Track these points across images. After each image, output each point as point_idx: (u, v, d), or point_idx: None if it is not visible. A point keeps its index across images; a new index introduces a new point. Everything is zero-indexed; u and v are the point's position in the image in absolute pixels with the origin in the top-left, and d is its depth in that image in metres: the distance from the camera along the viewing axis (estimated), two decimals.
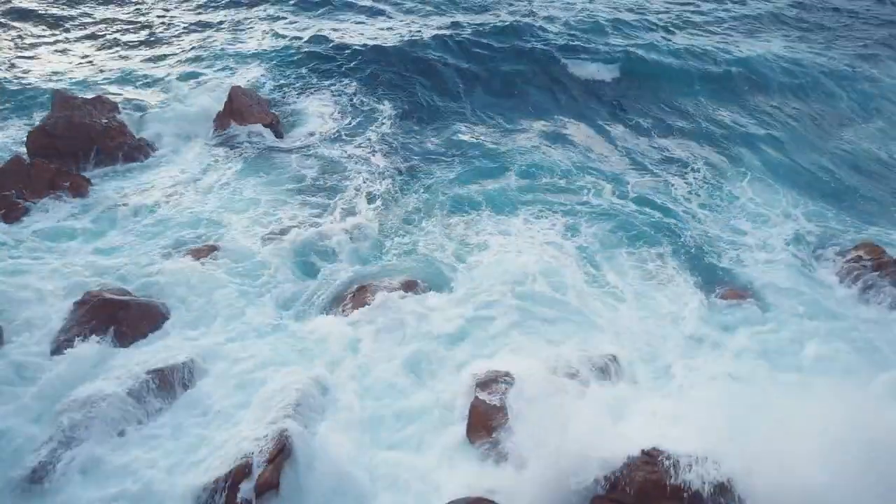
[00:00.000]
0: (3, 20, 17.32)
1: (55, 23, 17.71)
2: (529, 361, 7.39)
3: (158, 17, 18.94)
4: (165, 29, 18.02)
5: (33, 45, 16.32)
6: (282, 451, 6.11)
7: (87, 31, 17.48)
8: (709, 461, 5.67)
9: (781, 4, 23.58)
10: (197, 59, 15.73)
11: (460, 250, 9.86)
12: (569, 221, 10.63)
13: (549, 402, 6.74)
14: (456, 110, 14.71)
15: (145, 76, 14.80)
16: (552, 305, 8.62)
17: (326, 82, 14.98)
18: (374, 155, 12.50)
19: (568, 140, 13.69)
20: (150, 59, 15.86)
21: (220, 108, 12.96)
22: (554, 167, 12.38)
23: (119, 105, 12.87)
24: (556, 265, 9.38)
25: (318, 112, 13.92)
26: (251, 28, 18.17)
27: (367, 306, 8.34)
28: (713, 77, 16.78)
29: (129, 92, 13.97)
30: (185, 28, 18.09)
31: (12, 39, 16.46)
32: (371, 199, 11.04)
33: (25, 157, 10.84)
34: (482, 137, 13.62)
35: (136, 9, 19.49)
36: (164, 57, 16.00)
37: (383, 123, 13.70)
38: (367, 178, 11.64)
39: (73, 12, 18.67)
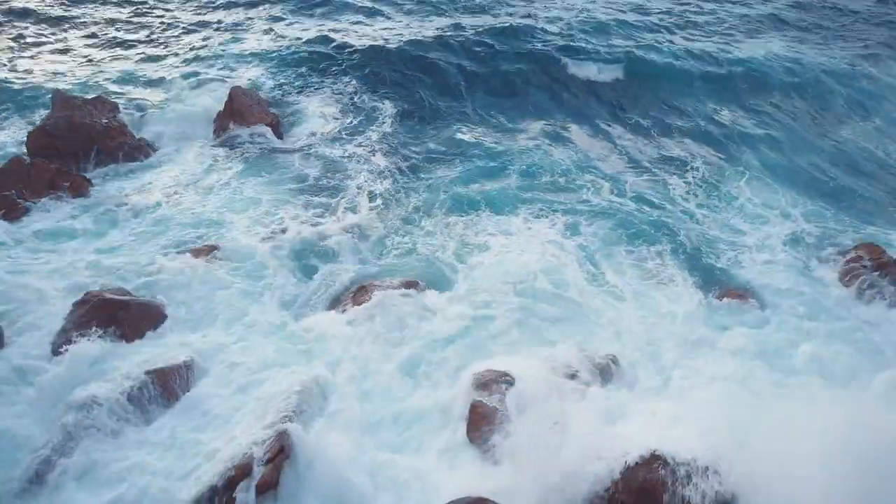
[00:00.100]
0: (3, 20, 17.31)
1: (56, 23, 17.71)
2: (529, 362, 7.39)
3: (158, 17, 18.94)
4: (166, 29, 18.02)
5: (33, 45, 16.32)
6: (282, 452, 6.10)
7: (88, 31, 17.48)
8: (709, 462, 5.67)
9: (781, 5, 23.60)
10: (197, 59, 15.73)
11: (461, 250, 9.86)
12: (569, 221, 10.63)
13: (549, 402, 6.75)
14: (456, 110, 14.71)
15: (145, 76, 14.80)
16: (552, 305, 8.62)
17: (326, 82, 14.98)
18: (374, 154, 12.51)
19: (568, 140, 13.69)
20: (150, 59, 15.86)
21: (221, 108, 12.97)
22: (554, 167, 12.38)
23: (119, 105, 12.88)
24: (556, 265, 9.38)
25: (318, 112, 13.93)
26: (251, 28, 18.17)
27: (367, 306, 8.34)
28: (713, 77, 16.79)
29: (130, 92, 13.97)
30: (185, 28, 18.09)
31: (13, 39, 16.46)
32: (371, 198, 11.04)
33: (26, 157, 10.84)
34: (482, 137, 13.63)
35: (137, 9, 19.49)
36: (164, 57, 16.01)
37: (384, 123, 13.71)
38: (367, 178, 11.64)
39: (74, 12, 18.67)
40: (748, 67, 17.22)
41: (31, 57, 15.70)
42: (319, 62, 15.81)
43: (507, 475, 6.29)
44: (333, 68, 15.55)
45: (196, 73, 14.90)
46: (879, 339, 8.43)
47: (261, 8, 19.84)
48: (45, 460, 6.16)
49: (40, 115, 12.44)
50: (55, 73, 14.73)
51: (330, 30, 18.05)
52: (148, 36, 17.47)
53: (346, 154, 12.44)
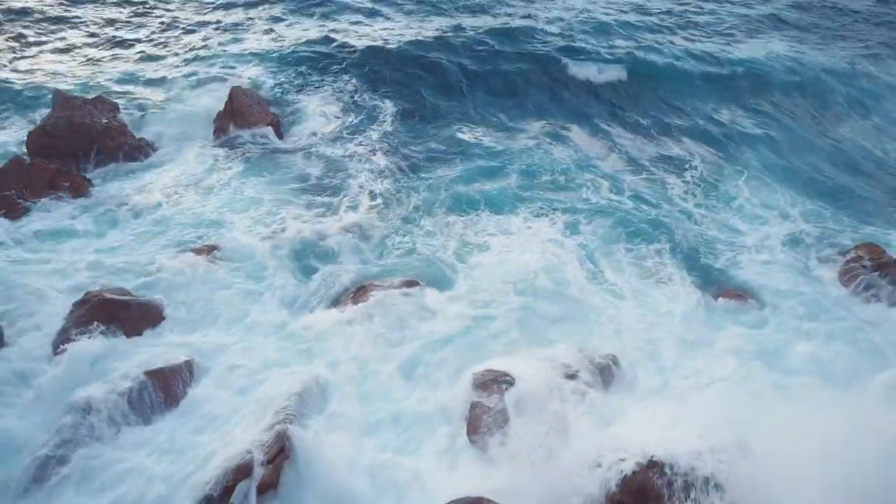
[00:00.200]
0: (3, 20, 17.31)
1: (56, 23, 17.70)
2: (529, 362, 7.39)
3: (158, 17, 18.94)
4: (166, 29, 18.02)
5: (33, 45, 16.32)
6: (282, 452, 6.11)
7: (88, 31, 17.48)
8: (709, 464, 5.67)
9: (781, 5, 23.59)
10: (197, 59, 15.73)
11: (461, 249, 9.87)
12: (569, 221, 10.63)
13: (549, 402, 6.75)
14: (457, 110, 14.71)
15: (145, 76, 14.80)
16: (553, 305, 8.62)
17: (327, 82, 14.98)
18: (374, 154, 12.51)
19: (568, 139, 13.69)
20: (150, 59, 15.86)
21: (221, 108, 12.96)
22: (554, 166, 12.38)
23: (119, 105, 12.87)
24: (556, 265, 9.38)
25: (318, 111, 13.93)
26: (251, 28, 18.16)
27: (367, 306, 8.34)
28: (712, 77, 16.79)
29: (130, 92, 13.96)
30: (185, 28, 18.09)
31: (13, 39, 16.46)
32: (372, 198, 11.04)
33: (26, 157, 10.84)
34: (483, 137, 13.63)
35: (137, 9, 19.49)
36: (164, 57, 16.01)
37: (384, 122, 13.71)
38: (367, 178, 11.64)
39: (74, 12, 18.66)
40: (748, 67, 17.22)
41: (31, 57, 15.69)
42: (319, 62, 15.80)
43: (506, 475, 6.29)
44: (333, 68, 15.55)
45: (196, 73, 14.89)
46: (879, 339, 8.42)
47: (261, 8, 19.83)
48: (44, 462, 6.16)
49: (40, 115, 12.44)
50: (55, 73, 14.73)
51: (330, 30, 18.05)
52: (148, 36, 17.47)
53: (347, 153, 12.44)
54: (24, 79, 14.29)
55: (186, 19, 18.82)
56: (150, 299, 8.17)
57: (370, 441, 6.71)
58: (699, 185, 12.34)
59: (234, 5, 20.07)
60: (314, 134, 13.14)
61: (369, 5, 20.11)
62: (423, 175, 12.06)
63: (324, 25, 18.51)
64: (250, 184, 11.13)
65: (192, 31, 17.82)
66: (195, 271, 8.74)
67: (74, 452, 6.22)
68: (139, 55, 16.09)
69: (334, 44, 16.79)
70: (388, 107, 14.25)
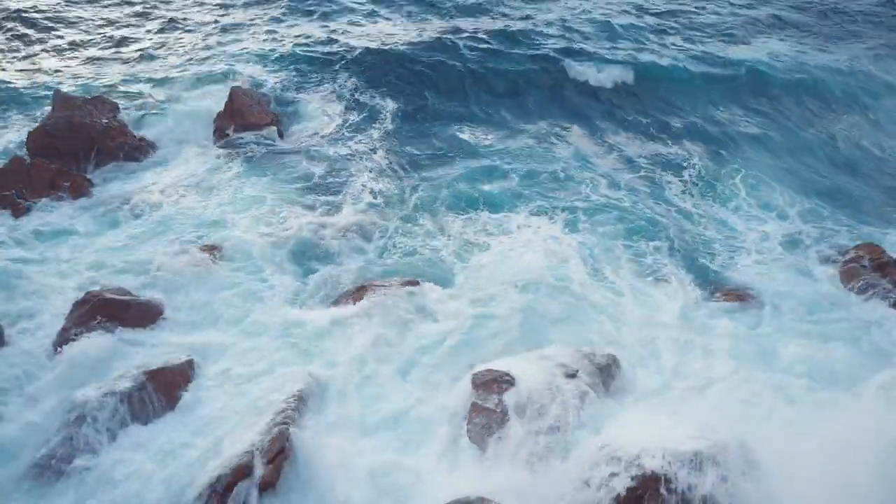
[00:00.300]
0: (2, 20, 17.32)
1: (56, 22, 17.71)
2: (530, 362, 7.39)
3: (159, 17, 18.94)
4: (166, 29, 18.02)
5: (34, 45, 16.33)
6: (281, 452, 6.12)
7: (88, 31, 17.48)
8: (709, 479, 5.67)
9: (782, 5, 23.58)
10: (197, 58, 15.73)
11: (461, 249, 9.87)
12: (569, 220, 10.64)
13: (549, 402, 6.75)
14: (457, 110, 14.71)
15: (145, 76, 14.79)
16: (553, 305, 8.61)
17: (327, 83, 14.98)
18: (375, 154, 12.52)
19: (568, 139, 13.71)
20: (150, 59, 15.85)
21: (221, 107, 12.96)
22: (555, 166, 12.39)
23: (119, 105, 12.88)
24: (557, 265, 9.38)
25: (318, 112, 13.94)
26: (251, 28, 18.17)
27: (367, 306, 8.34)
28: (712, 78, 16.78)
29: (130, 92, 13.96)
30: (185, 28, 18.10)
31: (13, 39, 16.46)
32: (372, 198, 11.04)
33: (26, 157, 10.85)
34: (484, 136, 13.65)
35: (137, 9, 19.50)
36: (164, 57, 16.01)
37: (384, 122, 13.72)
38: (368, 177, 11.65)
39: (74, 12, 18.67)
40: (747, 68, 17.20)
41: (32, 57, 15.70)
42: (320, 62, 15.81)
43: (507, 476, 6.29)
44: (334, 68, 15.55)
45: (196, 73, 14.89)
46: (880, 340, 8.41)
47: (261, 8, 19.84)
48: (43, 462, 6.16)
49: (40, 114, 12.44)
50: (55, 73, 14.74)
51: (330, 30, 18.05)
52: (148, 35, 17.48)
53: (348, 153, 12.45)
54: (25, 79, 14.30)
55: (186, 19, 18.82)
56: (150, 299, 8.18)
57: (370, 441, 6.71)
58: (698, 185, 12.35)
59: (234, 5, 20.08)
60: (315, 133, 13.15)
61: (369, 6, 20.12)
62: (423, 174, 12.06)
63: (324, 26, 18.51)
64: (251, 183, 11.13)
65: (192, 31, 17.82)
66: (195, 271, 8.74)
67: (74, 453, 6.22)
68: (139, 55, 16.08)
69: (334, 44, 16.80)
70: (389, 106, 14.26)
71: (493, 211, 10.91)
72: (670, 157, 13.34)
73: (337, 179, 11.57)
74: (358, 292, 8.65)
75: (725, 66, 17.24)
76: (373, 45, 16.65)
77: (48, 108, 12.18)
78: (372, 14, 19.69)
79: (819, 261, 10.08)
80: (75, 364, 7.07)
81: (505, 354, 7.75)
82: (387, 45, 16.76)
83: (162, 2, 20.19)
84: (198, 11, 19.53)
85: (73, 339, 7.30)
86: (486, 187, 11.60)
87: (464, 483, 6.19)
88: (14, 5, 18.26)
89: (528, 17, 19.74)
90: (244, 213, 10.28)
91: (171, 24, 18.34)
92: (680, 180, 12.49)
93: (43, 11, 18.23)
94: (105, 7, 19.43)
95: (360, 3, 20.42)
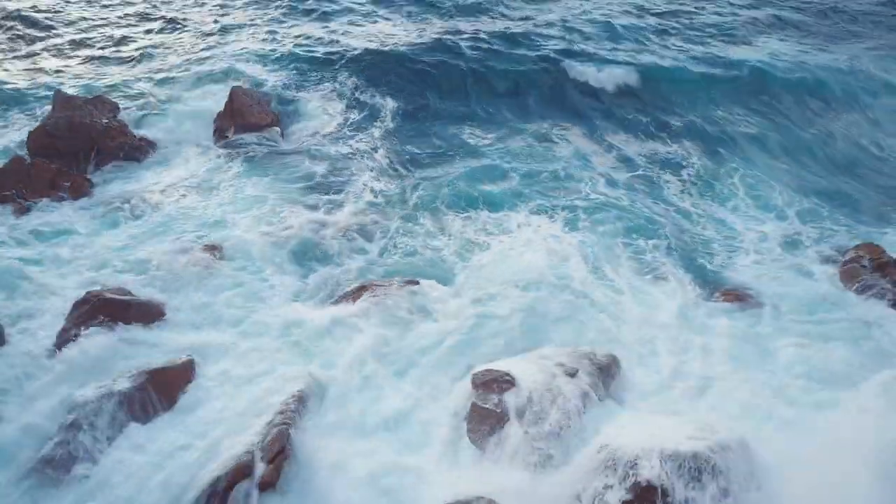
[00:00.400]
0: (2, 20, 17.32)
1: (56, 23, 17.72)
2: (530, 362, 7.39)
3: (159, 17, 18.96)
4: (166, 29, 18.04)
5: (33, 45, 16.33)
6: (282, 452, 6.12)
7: (88, 31, 17.49)
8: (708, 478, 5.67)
9: (782, 5, 23.57)
10: (197, 59, 15.73)
11: (462, 248, 9.87)
12: (570, 221, 10.63)
13: (550, 402, 6.76)
14: (458, 109, 14.72)
15: (146, 76, 14.81)
16: (554, 305, 8.60)
17: (327, 82, 14.99)
18: (375, 153, 12.53)
19: (568, 139, 13.72)
20: (150, 59, 15.87)
21: (221, 107, 12.97)
22: (555, 166, 12.39)
23: (120, 105, 12.89)
24: (557, 264, 9.37)
25: (319, 111, 13.95)
26: (251, 28, 18.18)
27: (367, 306, 8.34)
28: (711, 78, 16.74)
29: (130, 92, 13.97)
30: (185, 28, 18.11)
31: (12, 39, 16.47)
32: (373, 198, 11.06)
33: (26, 157, 10.85)
34: (484, 136, 13.65)
35: (137, 9, 19.51)
36: (164, 57, 16.02)
37: (385, 123, 13.73)
38: (368, 177, 11.66)
39: (74, 12, 18.68)
40: (747, 68, 17.17)
41: (31, 57, 15.71)
42: (320, 61, 15.82)
43: (507, 476, 6.30)
44: (334, 68, 15.56)
45: (196, 73, 14.90)
46: (880, 340, 8.40)
47: (261, 8, 19.86)
48: (42, 463, 6.16)
49: (41, 114, 12.45)
50: (55, 73, 14.74)
51: (330, 30, 18.07)
52: (148, 36, 17.50)
53: (348, 153, 12.46)
54: (25, 78, 14.31)
55: (186, 19, 18.84)
56: (150, 299, 8.18)
57: (370, 441, 6.70)
58: (697, 184, 12.35)
59: (234, 5, 20.10)
60: (315, 133, 13.16)
61: (369, 6, 20.13)
62: (424, 174, 12.07)
63: (324, 25, 18.53)
64: (251, 183, 11.13)
65: (193, 31, 17.83)
66: (196, 271, 8.75)
67: (74, 453, 6.21)
68: (139, 55, 16.09)
69: (334, 44, 16.81)
70: (389, 106, 14.27)
71: (494, 210, 10.92)
72: (670, 157, 13.35)
73: (337, 179, 11.58)
74: (358, 292, 8.65)
75: (725, 67, 17.23)
76: (373, 45, 16.66)
77: (48, 108, 12.19)
78: (372, 14, 19.70)
79: (818, 260, 10.06)
80: (75, 364, 7.07)
81: (505, 354, 7.75)
82: (387, 44, 16.77)
83: (162, 2, 20.21)
84: (198, 11, 19.54)
85: (74, 339, 7.30)
86: (487, 187, 11.60)
87: (464, 483, 6.19)
88: (14, 5, 18.27)
89: (528, 18, 19.75)
90: (245, 212, 10.29)
91: (171, 24, 18.36)
92: (680, 180, 12.50)
93: (43, 11, 18.24)
94: (105, 7, 19.45)
95: (360, 3, 20.44)
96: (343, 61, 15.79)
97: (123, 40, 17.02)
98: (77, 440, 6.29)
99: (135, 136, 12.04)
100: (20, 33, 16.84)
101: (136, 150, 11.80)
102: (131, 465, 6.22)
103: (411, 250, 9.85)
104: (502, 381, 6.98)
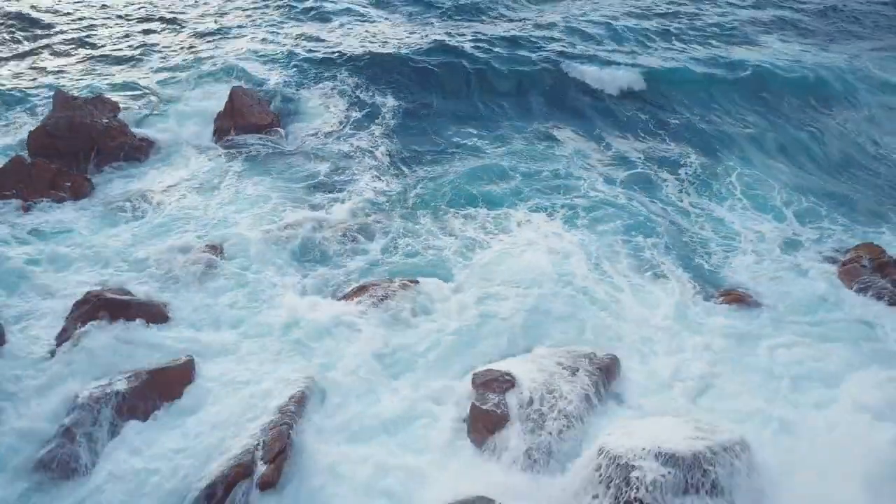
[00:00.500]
0: (2, 20, 17.33)
1: (56, 23, 17.72)
2: (530, 361, 7.40)
3: (159, 17, 18.97)
4: (166, 29, 18.05)
5: (33, 46, 16.34)
6: (282, 452, 6.13)
7: (89, 32, 17.49)
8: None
9: (783, 6, 23.58)
10: (197, 59, 15.74)
11: (462, 248, 9.87)
12: (571, 220, 10.65)
13: (550, 402, 6.76)
14: (458, 110, 14.74)
15: (146, 76, 14.82)
16: (554, 304, 8.60)
17: (327, 82, 15.00)
18: (376, 153, 12.54)
19: (569, 139, 13.74)
20: (150, 60, 15.87)
21: (221, 107, 12.97)
22: (556, 165, 12.41)
23: (120, 105, 12.89)
24: (557, 264, 9.37)
25: (319, 112, 13.96)
26: (251, 28, 18.19)
27: (367, 306, 8.35)
28: (712, 78, 16.74)
29: (130, 92, 13.98)
30: (185, 28, 18.12)
31: (12, 39, 16.47)
32: (374, 197, 11.07)
33: (26, 157, 10.85)
34: (485, 136, 13.66)
35: (137, 9, 19.51)
36: (164, 57, 16.02)
37: (385, 123, 13.74)
38: (369, 177, 11.67)
39: (74, 12, 18.69)
40: (746, 68, 17.16)
41: (32, 57, 15.71)
42: (320, 62, 15.83)
43: (507, 476, 6.30)
44: (334, 68, 15.57)
45: (196, 73, 14.92)
46: (880, 340, 8.40)
47: (261, 8, 19.87)
48: (42, 463, 6.15)
49: (41, 114, 12.45)
50: (55, 73, 14.74)
51: (331, 30, 18.08)
52: (148, 35, 17.50)
53: (348, 153, 12.47)
54: (25, 78, 14.31)
55: (187, 19, 18.85)
56: (150, 299, 8.18)
57: (370, 441, 6.71)
58: (695, 184, 12.35)
59: (234, 5, 20.10)
60: (315, 133, 13.17)
61: (371, 9, 20.12)
62: (424, 174, 12.08)
63: (324, 26, 18.54)
64: (252, 183, 11.14)
65: (193, 31, 17.84)
66: (196, 271, 8.76)
67: (74, 454, 6.20)
68: (140, 55, 16.10)
69: (334, 44, 16.82)
70: (390, 106, 14.28)
71: (494, 209, 10.93)
72: (669, 157, 13.35)
73: (338, 178, 11.59)
74: (359, 292, 8.66)
75: (725, 67, 17.24)
76: (373, 45, 16.67)
77: (49, 108, 12.19)
78: (372, 14, 19.71)
79: (818, 260, 10.06)
80: (75, 364, 7.07)
81: (506, 353, 7.77)
82: (387, 44, 16.78)
83: (162, 2, 20.21)
84: (198, 11, 19.55)
85: (74, 340, 7.29)
86: (487, 186, 11.62)
87: (464, 483, 6.20)
88: (14, 5, 18.27)
89: (529, 18, 19.76)
90: (245, 212, 10.30)
91: (172, 24, 18.36)
92: (679, 180, 12.50)
93: (43, 11, 18.25)
94: (105, 7, 19.45)
95: (360, 4, 20.44)
96: (343, 61, 15.80)
97: (124, 40, 17.03)
98: (76, 441, 6.28)
99: (135, 136, 12.03)
100: (20, 33, 16.84)
101: (136, 150, 11.80)
102: (131, 466, 6.21)
103: (412, 250, 9.86)
104: (503, 381, 6.99)
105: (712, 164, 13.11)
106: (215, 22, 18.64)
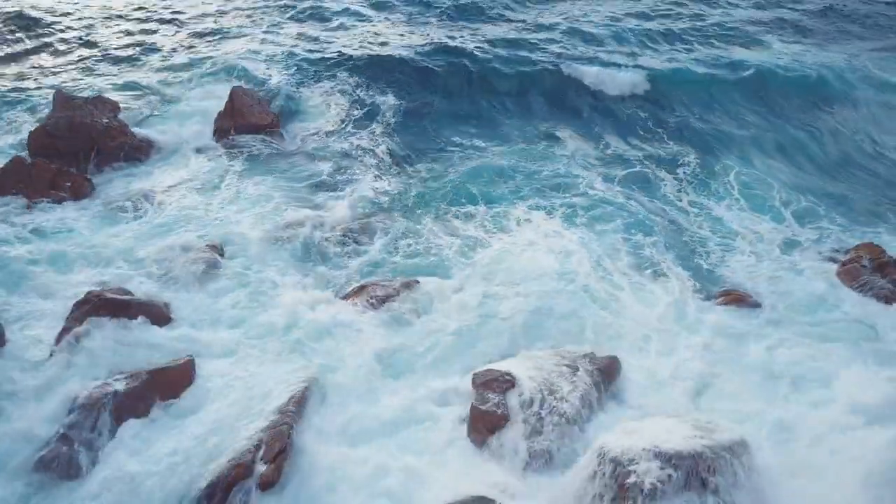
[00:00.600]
0: (2, 21, 17.33)
1: (55, 23, 17.73)
2: (530, 361, 7.40)
3: (159, 17, 18.97)
4: (166, 29, 18.04)
5: (34, 45, 16.34)
6: (282, 452, 6.13)
7: (88, 32, 17.49)
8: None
9: (784, 6, 23.57)
10: (198, 59, 15.74)
11: (462, 248, 9.88)
12: (571, 219, 10.67)
13: (550, 402, 6.76)
14: (458, 110, 14.75)
15: (146, 76, 14.82)
16: (555, 303, 8.60)
17: (327, 82, 15.00)
18: (376, 153, 12.55)
19: (569, 139, 13.76)
20: (150, 60, 15.88)
21: (221, 107, 12.97)
22: (556, 165, 12.43)
23: (120, 105, 12.88)
24: (558, 264, 9.37)
25: (319, 112, 13.96)
26: (251, 28, 18.20)
27: (369, 305, 8.36)
28: (712, 79, 16.73)
29: (130, 92, 13.98)
30: (185, 28, 18.12)
31: (12, 40, 16.47)
32: (374, 197, 11.08)
33: (26, 157, 10.85)
34: (485, 136, 13.68)
35: (137, 9, 19.52)
36: (164, 57, 16.02)
37: (386, 123, 13.74)
38: (369, 177, 11.68)
39: (73, 12, 18.69)
40: (746, 69, 17.11)
41: (32, 57, 15.72)
42: (320, 62, 15.83)
43: (508, 475, 6.31)
44: (334, 68, 15.57)
45: (197, 73, 14.92)
46: (880, 340, 8.40)
47: (262, 8, 19.87)
48: (42, 463, 6.15)
49: (41, 114, 12.45)
50: (55, 73, 14.74)
51: (331, 30, 18.09)
52: (149, 35, 17.50)
53: (348, 152, 12.48)
54: (25, 78, 14.31)
55: (187, 19, 18.85)
56: (151, 299, 8.18)
57: (371, 441, 6.71)
58: (694, 185, 12.36)
59: (234, 6, 20.10)
60: (316, 133, 13.17)
61: (371, 12, 20.11)
62: (425, 173, 12.09)
63: (324, 26, 18.54)
64: (252, 183, 11.15)
65: (193, 31, 17.84)
66: (197, 270, 8.75)
67: (73, 454, 6.21)
68: (140, 55, 16.10)
69: (335, 44, 16.83)
70: (390, 106, 14.28)
71: (495, 208, 10.94)
72: (669, 157, 13.36)
73: (339, 178, 11.60)
74: (360, 291, 8.67)
75: (724, 68, 17.22)
76: (373, 45, 16.68)
77: (49, 108, 12.19)
78: (372, 14, 19.71)
79: (817, 260, 10.07)
80: (75, 364, 7.07)
81: (506, 353, 7.77)
82: (387, 45, 16.80)
83: (162, 2, 20.21)
84: (198, 12, 19.54)
85: (74, 340, 7.29)
86: (488, 185, 11.63)
87: (464, 483, 6.20)
88: (14, 5, 18.26)
89: (529, 19, 19.75)
90: (245, 212, 10.30)
91: (172, 24, 18.36)
92: (679, 180, 12.50)
93: (43, 11, 18.25)
94: (105, 7, 19.45)
95: (360, 4, 20.44)
96: (343, 61, 15.81)
97: (124, 40, 17.03)
98: (76, 441, 6.28)
99: (135, 136, 12.02)
100: (20, 33, 16.84)
101: (136, 150, 11.80)
102: (131, 466, 6.21)
103: (413, 249, 9.87)
104: (503, 381, 6.99)
105: (713, 163, 13.12)
106: (215, 22, 18.64)
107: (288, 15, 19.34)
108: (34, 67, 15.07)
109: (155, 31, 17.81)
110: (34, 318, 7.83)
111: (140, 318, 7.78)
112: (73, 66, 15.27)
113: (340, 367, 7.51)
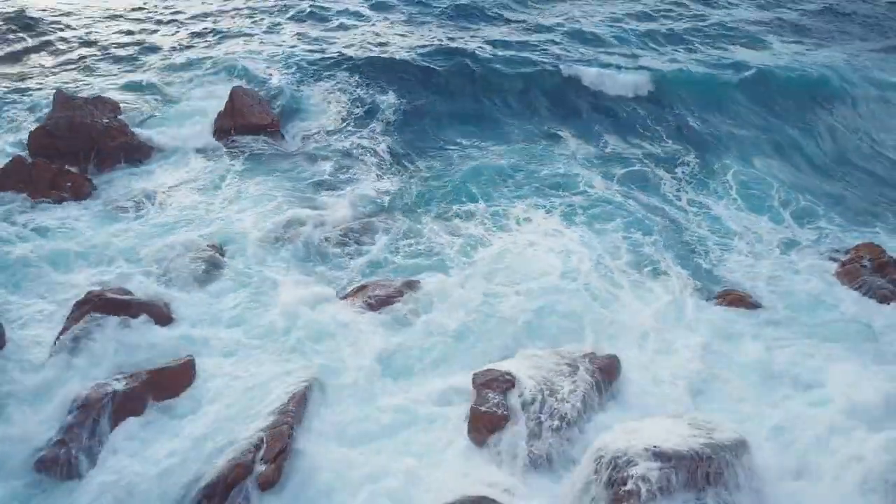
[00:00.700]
0: (3, 21, 17.32)
1: (55, 23, 17.71)
2: (530, 361, 7.40)
3: (159, 17, 18.96)
4: (166, 29, 18.04)
5: (34, 45, 16.33)
6: (283, 451, 6.14)
7: (88, 32, 17.48)
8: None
9: (784, 7, 23.58)
10: (198, 59, 15.71)
11: (463, 247, 9.89)
12: (571, 219, 10.70)
13: (550, 402, 6.77)
14: (459, 110, 14.76)
15: (146, 76, 14.79)
16: (555, 304, 8.62)
17: (328, 82, 14.99)
18: (376, 153, 12.55)
19: (570, 139, 13.78)
20: (150, 60, 15.86)
21: (221, 107, 12.97)
22: (556, 165, 12.47)
23: (120, 105, 12.88)
24: (558, 264, 9.40)
25: (319, 112, 13.96)
26: (252, 28, 18.19)
27: (369, 305, 8.36)
28: (712, 79, 16.76)
29: (130, 92, 13.97)
30: (186, 28, 18.11)
31: (12, 40, 16.46)
32: (374, 197, 11.08)
33: (27, 157, 10.85)
34: (485, 136, 13.71)
35: (137, 9, 19.51)
36: (165, 57, 16.01)
37: (386, 123, 13.75)
38: (370, 177, 11.69)
39: (73, 13, 18.68)
40: (746, 69, 17.13)
41: (32, 56, 15.71)
42: (320, 62, 15.82)
43: (508, 474, 6.31)
44: (335, 68, 15.57)
45: (197, 73, 14.90)
46: (879, 340, 8.42)
47: (261, 9, 19.87)
48: (41, 463, 6.16)
49: (41, 114, 12.45)
50: (55, 73, 14.74)
51: (331, 30, 18.09)
52: (148, 35, 17.49)
53: (349, 152, 12.48)
54: (25, 79, 14.31)
55: (186, 19, 18.84)
56: (151, 299, 8.17)
57: (371, 441, 6.72)
58: (694, 184, 12.40)
59: (234, 6, 20.08)
60: (316, 133, 13.18)
61: (371, 12, 20.11)
62: (425, 173, 12.10)
63: (325, 26, 18.55)
64: (252, 182, 11.15)
65: (193, 31, 17.83)
66: (197, 270, 8.76)
67: (73, 454, 6.21)
68: (140, 55, 16.08)
69: (335, 44, 16.83)
70: (391, 106, 14.28)
71: (495, 208, 10.96)
72: (668, 156, 13.39)
73: (339, 178, 11.60)
74: (360, 291, 8.67)
75: (724, 68, 17.24)
76: (373, 46, 16.68)
77: (49, 108, 12.18)
78: (372, 15, 19.71)
79: (817, 260, 10.08)
80: (75, 364, 7.07)
81: (507, 353, 7.78)
82: (387, 44, 16.80)
83: (162, 2, 20.20)
84: (198, 12, 19.53)
85: (74, 339, 7.29)
86: (488, 185, 11.66)
87: (464, 483, 6.21)
88: (14, 5, 18.26)
89: (530, 20, 19.77)
90: (246, 212, 10.30)
91: (172, 24, 18.36)
92: (679, 179, 12.53)
93: (43, 11, 18.23)
94: (105, 7, 19.44)
95: (360, 4, 20.44)
96: (343, 61, 15.80)
97: (124, 40, 17.01)
98: (76, 442, 6.28)
99: (135, 136, 12.01)
100: (20, 33, 16.83)
101: (136, 150, 11.79)
102: (131, 466, 6.22)
103: (413, 249, 9.87)
104: (503, 381, 6.99)
105: (711, 162, 13.15)
106: (215, 22, 18.63)
107: (288, 15, 19.34)
108: (34, 67, 15.06)
109: (155, 31, 17.79)
110: (34, 318, 7.83)
111: (140, 318, 7.78)
112: (73, 66, 15.26)
113: (341, 368, 7.52)
